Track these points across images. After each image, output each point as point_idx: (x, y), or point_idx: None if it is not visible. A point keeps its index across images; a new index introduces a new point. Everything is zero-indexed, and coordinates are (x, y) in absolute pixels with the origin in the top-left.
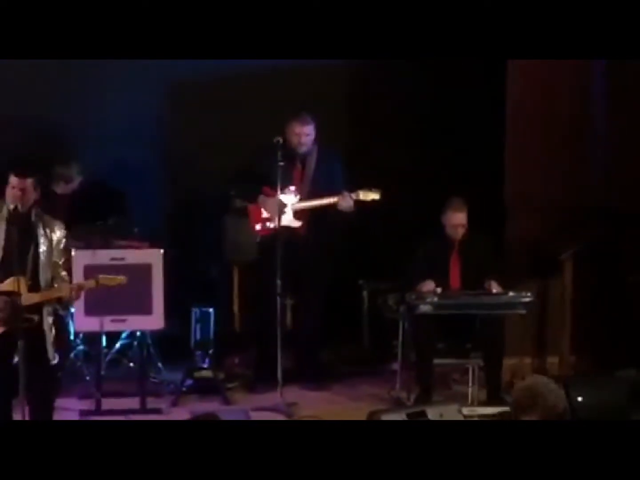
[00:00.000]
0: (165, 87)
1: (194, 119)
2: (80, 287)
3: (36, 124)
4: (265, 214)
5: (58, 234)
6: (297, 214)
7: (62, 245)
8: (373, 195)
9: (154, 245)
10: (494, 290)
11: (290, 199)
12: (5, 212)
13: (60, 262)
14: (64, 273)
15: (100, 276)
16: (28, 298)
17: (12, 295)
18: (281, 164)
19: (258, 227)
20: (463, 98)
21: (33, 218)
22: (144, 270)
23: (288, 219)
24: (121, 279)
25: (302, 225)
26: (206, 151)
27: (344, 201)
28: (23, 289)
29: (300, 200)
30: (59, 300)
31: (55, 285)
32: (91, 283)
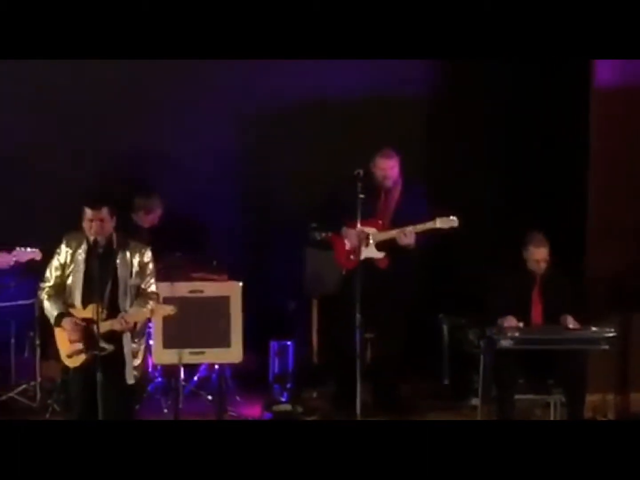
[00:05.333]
0: (246, 118)
1: (273, 150)
2: (134, 318)
3: (118, 155)
4: (348, 246)
5: (141, 258)
6: (380, 246)
7: (148, 270)
8: (452, 223)
9: (232, 277)
10: (570, 326)
11: (372, 230)
12: (85, 244)
13: (146, 286)
14: (148, 295)
15: (156, 305)
16: (102, 326)
17: (90, 322)
18: (362, 196)
19: (343, 259)
20: (545, 127)
21: (114, 245)
22: (223, 303)
23: (371, 251)
24: (170, 309)
25: (384, 257)
26: (285, 183)
27: (400, 239)
28: (100, 316)
29: (380, 232)
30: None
31: (131, 310)
32: (146, 313)
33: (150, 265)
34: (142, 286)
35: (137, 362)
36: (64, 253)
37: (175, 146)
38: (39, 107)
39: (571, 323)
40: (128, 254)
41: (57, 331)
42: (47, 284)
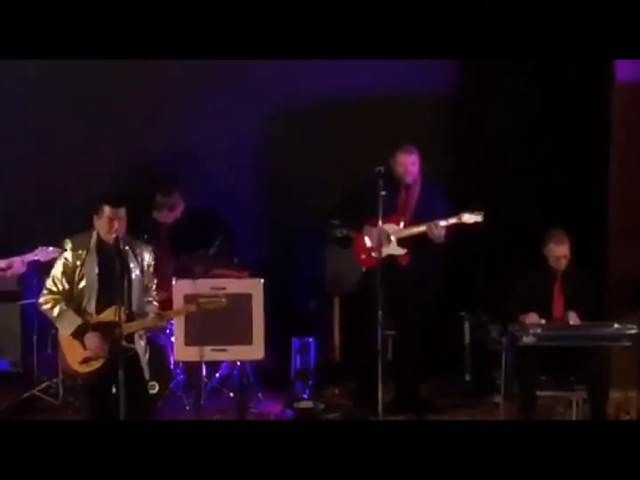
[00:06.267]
0: (267, 115)
1: (294, 148)
2: (177, 313)
3: (138, 153)
4: (369, 244)
5: (147, 257)
6: (401, 242)
7: (151, 269)
8: (476, 218)
9: (254, 275)
10: (571, 322)
11: (393, 227)
12: (94, 242)
13: (150, 286)
14: (153, 296)
15: (200, 300)
16: (126, 328)
17: (113, 326)
18: (383, 193)
19: (363, 256)
20: (565, 124)
21: (121, 245)
22: (245, 300)
23: (392, 248)
24: (221, 301)
25: (406, 254)
26: (307, 181)
27: (431, 231)
28: (122, 318)
29: (403, 229)
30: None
31: (148, 309)
32: (191, 307)
33: (153, 264)
34: (150, 285)
35: (145, 357)
36: (71, 257)
37: (197, 143)
38: (57, 105)
39: (572, 319)
40: (137, 253)
41: (66, 338)
42: (54, 295)
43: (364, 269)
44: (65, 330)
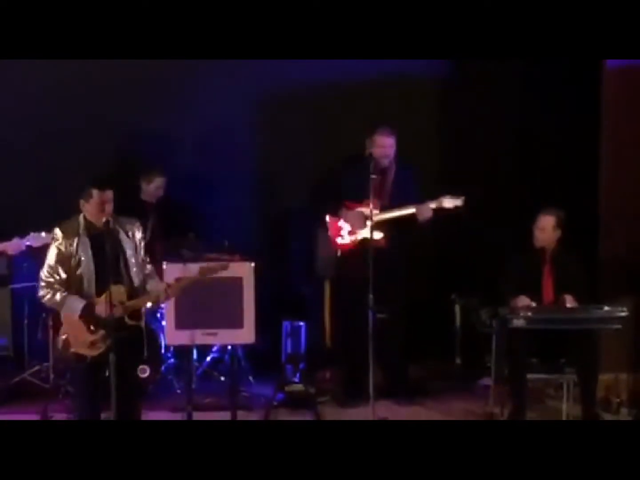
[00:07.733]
0: (254, 99)
1: (285, 131)
2: (183, 285)
3: (123, 136)
4: (345, 227)
5: (138, 233)
6: (378, 226)
7: (143, 243)
8: (456, 202)
9: (244, 258)
10: (568, 305)
11: (371, 210)
12: (83, 226)
13: (146, 259)
14: (150, 269)
15: (203, 265)
16: (130, 305)
17: (114, 305)
18: (374, 177)
19: (339, 240)
20: (556, 108)
21: (111, 225)
22: (235, 284)
23: (369, 232)
24: (224, 264)
25: (383, 238)
26: (298, 164)
27: (422, 211)
28: (123, 297)
29: (380, 212)
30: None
31: (148, 285)
32: (196, 276)
33: (143, 238)
34: (146, 260)
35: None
36: (64, 245)
37: (187, 126)
38: (42, 92)
39: (569, 302)
40: (127, 230)
41: (74, 322)
42: (52, 285)
43: (339, 253)
44: (73, 312)
